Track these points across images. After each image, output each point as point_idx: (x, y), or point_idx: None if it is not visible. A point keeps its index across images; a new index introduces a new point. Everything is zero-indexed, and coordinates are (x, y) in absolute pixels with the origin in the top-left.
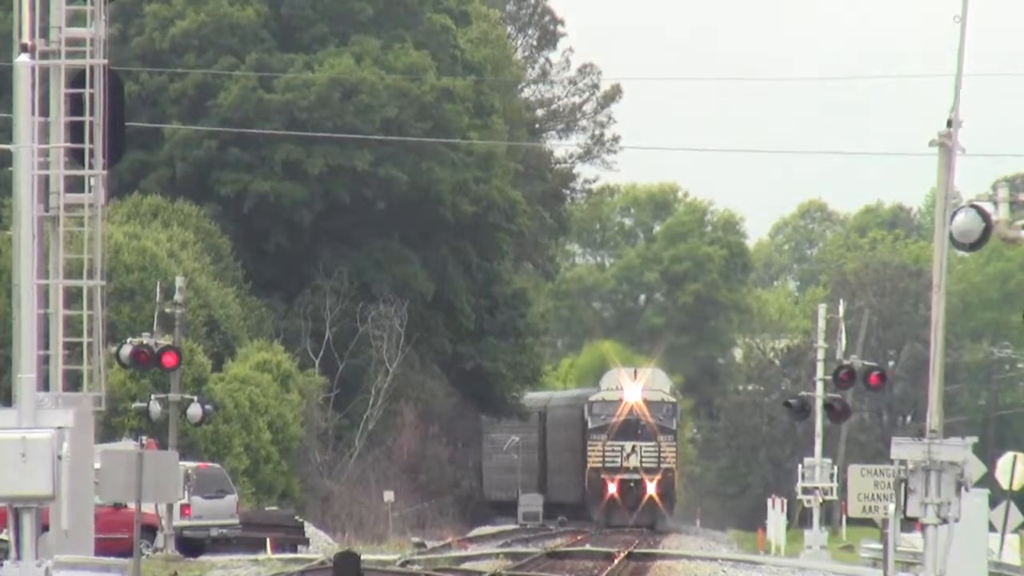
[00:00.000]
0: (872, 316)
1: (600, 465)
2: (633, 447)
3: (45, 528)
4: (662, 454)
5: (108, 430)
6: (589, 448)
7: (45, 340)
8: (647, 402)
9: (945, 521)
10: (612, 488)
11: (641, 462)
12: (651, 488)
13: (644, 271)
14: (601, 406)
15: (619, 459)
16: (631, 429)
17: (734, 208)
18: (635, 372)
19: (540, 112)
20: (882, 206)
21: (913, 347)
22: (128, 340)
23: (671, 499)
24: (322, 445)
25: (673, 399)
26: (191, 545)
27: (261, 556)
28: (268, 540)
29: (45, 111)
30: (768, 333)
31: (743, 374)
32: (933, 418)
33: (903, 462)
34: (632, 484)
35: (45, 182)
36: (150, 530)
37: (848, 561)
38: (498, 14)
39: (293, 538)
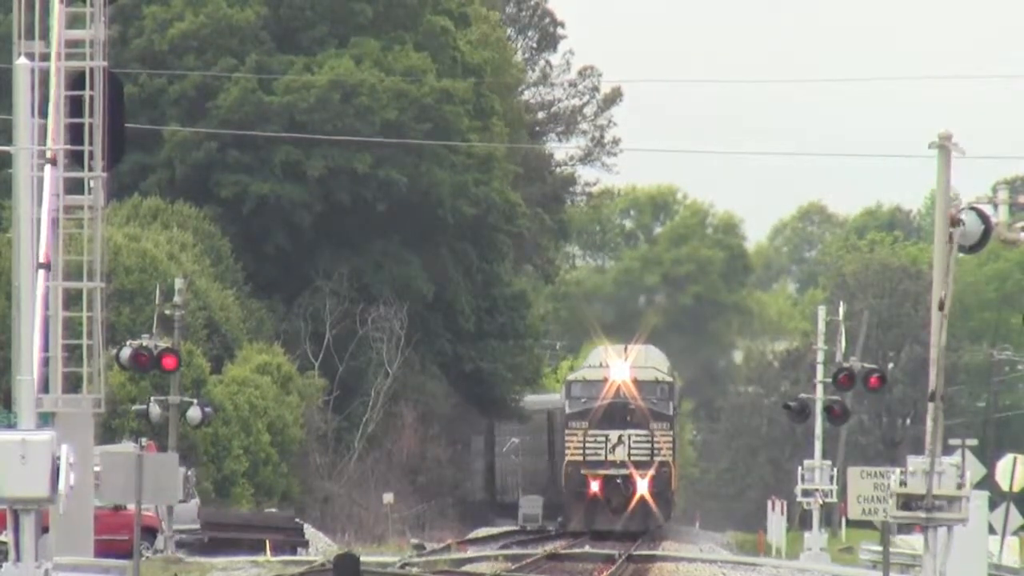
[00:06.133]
0: (871, 318)
1: (580, 458)
2: (620, 437)
3: (45, 530)
4: (655, 445)
5: (108, 432)
6: (567, 438)
7: (45, 342)
8: (637, 382)
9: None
10: (595, 486)
11: (630, 455)
12: (642, 486)
13: (644, 273)
14: (582, 387)
15: (603, 451)
16: (617, 414)
17: (733, 210)
18: (625, 348)
19: (540, 114)
20: (881, 208)
21: (912, 349)
22: (128, 342)
23: (667, 499)
24: (322, 447)
25: (670, 378)
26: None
27: (261, 558)
28: (268, 542)
29: (45, 113)
30: (768, 335)
31: (743, 376)
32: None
33: (903, 472)
34: (619, 481)
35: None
36: (150, 532)
37: (848, 563)
38: (498, 16)
39: (293, 540)
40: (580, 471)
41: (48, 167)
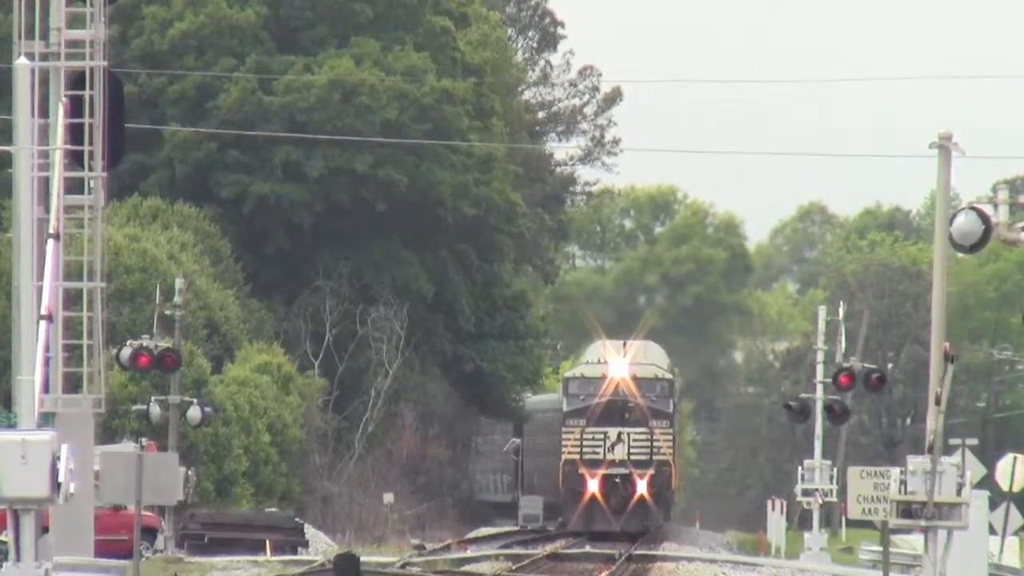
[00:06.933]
0: (871, 318)
1: (577, 457)
2: (619, 435)
3: (45, 530)
4: (655, 443)
5: (108, 432)
6: (564, 436)
7: (46, 342)
8: (636, 379)
9: None
10: (593, 486)
11: (629, 454)
12: (641, 486)
13: (644, 273)
14: (580, 384)
15: (601, 450)
16: (616, 412)
17: (734, 211)
18: (624, 344)
19: (540, 114)
20: (881, 208)
21: (912, 349)
22: (128, 342)
23: (666, 499)
24: (322, 447)
25: (670, 375)
26: None
27: (261, 558)
28: (268, 542)
29: (45, 113)
30: (768, 335)
31: (743, 376)
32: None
33: (903, 472)
34: (618, 481)
35: (45, 184)
36: (150, 532)
37: (848, 563)
38: (498, 16)
39: (293, 540)
40: (578, 470)
41: (51, 241)
